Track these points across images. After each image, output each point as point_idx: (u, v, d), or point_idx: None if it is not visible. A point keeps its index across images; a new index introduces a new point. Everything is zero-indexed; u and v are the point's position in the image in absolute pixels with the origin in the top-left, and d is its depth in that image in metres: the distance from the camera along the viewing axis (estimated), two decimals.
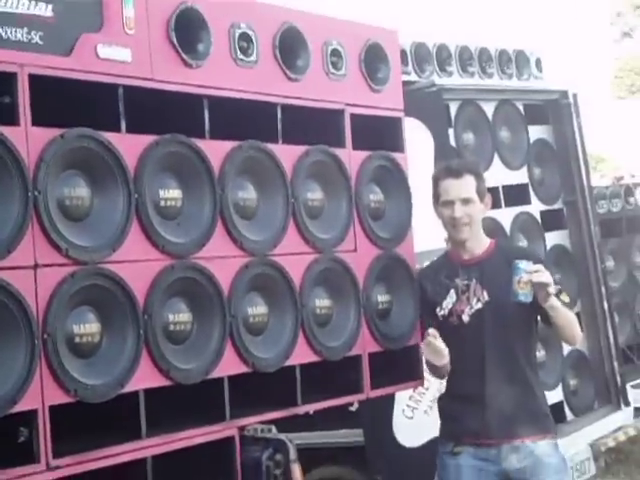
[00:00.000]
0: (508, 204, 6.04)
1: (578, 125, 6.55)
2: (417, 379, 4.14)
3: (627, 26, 34.11)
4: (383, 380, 3.94)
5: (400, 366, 4.03)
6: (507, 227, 5.94)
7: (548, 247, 6.30)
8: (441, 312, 4.01)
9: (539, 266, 3.81)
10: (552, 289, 3.78)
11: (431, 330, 3.81)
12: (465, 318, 3.98)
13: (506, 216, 5.97)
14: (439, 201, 4.03)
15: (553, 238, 6.47)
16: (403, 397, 4.81)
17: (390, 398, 4.65)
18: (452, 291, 4.01)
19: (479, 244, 4.08)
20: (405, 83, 4.54)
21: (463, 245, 4.05)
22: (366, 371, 3.86)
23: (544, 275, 3.77)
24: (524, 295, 3.77)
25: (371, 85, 4.03)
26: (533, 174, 6.42)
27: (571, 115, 6.54)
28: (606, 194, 8.27)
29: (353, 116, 3.92)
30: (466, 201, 3.98)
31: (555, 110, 6.58)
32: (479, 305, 3.96)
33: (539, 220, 6.34)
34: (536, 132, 6.52)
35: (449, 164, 4.17)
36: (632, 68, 31.82)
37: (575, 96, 6.55)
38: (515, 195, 6.16)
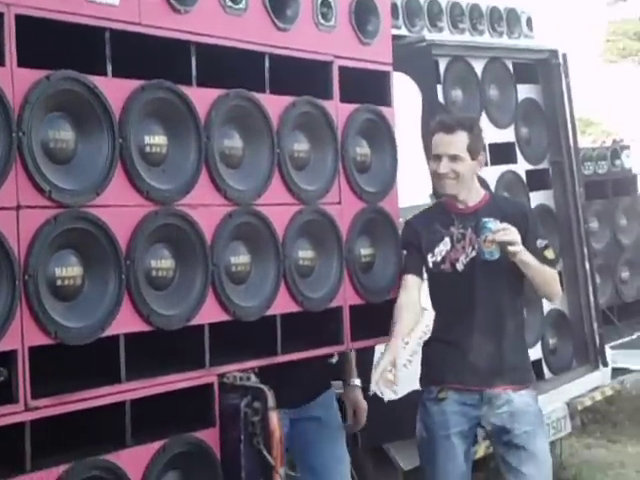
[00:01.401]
0: (494, 162, 6.04)
1: (567, 85, 6.54)
2: None
3: None
4: (363, 333, 3.97)
5: (380, 319, 4.04)
6: (492, 185, 5.94)
7: (532, 206, 6.31)
8: (432, 259, 4.06)
9: (505, 225, 3.86)
10: (517, 247, 3.84)
11: (388, 362, 3.78)
12: (459, 267, 4.03)
13: (492, 174, 5.97)
14: (431, 154, 4.06)
15: (538, 198, 6.49)
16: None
17: (370, 351, 4.67)
18: (447, 239, 4.05)
19: (473, 196, 4.12)
20: (395, 37, 4.51)
21: (456, 197, 4.07)
22: (347, 323, 3.88)
23: (509, 234, 3.82)
24: (489, 253, 3.89)
25: (361, 38, 4.01)
26: (520, 133, 6.43)
27: (560, 75, 6.52)
28: (592, 156, 8.29)
29: (341, 68, 3.90)
30: (454, 157, 4.00)
31: (544, 69, 6.57)
32: (473, 254, 4.01)
33: (524, 179, 6.35)
34: (525, 91, 6.50)
35: (444, 118, 4.18)
36: (625, 32, 31.61)
37: (565, 56, 6.53)
38: (501, 154, 6.16)
